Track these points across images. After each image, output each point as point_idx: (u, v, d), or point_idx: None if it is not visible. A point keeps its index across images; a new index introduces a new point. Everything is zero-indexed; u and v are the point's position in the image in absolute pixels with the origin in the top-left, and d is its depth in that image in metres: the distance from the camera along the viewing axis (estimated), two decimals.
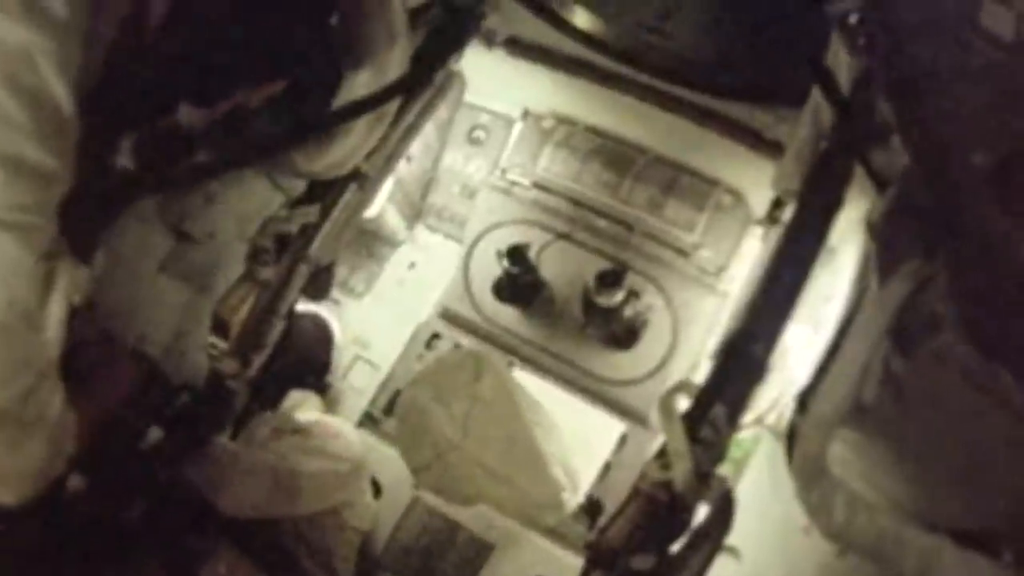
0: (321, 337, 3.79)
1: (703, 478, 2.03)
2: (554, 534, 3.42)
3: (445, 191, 4.08)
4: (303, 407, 3.53)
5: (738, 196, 3.67)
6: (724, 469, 2.13)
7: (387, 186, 3.35)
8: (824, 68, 2.21)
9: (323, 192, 2.65)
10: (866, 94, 2.14)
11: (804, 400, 2.00)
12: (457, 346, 3.77)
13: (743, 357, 2.19)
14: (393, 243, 4.07)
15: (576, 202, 3.82)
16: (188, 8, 1.70)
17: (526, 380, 3.51)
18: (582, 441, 3.47)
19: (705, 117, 3.45)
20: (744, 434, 2.99)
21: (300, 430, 3.20)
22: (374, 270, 4.07)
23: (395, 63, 2.29)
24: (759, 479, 2.98)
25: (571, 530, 3.40)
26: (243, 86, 1.88)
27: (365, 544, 3.41)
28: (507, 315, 3.78)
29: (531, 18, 3.37)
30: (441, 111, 3.37)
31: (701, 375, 2.25)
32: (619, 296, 3.41)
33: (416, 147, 3.58)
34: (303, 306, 3.29)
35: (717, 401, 2.11)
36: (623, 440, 3.54)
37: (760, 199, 3.37)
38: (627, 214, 3.76)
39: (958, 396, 1.76)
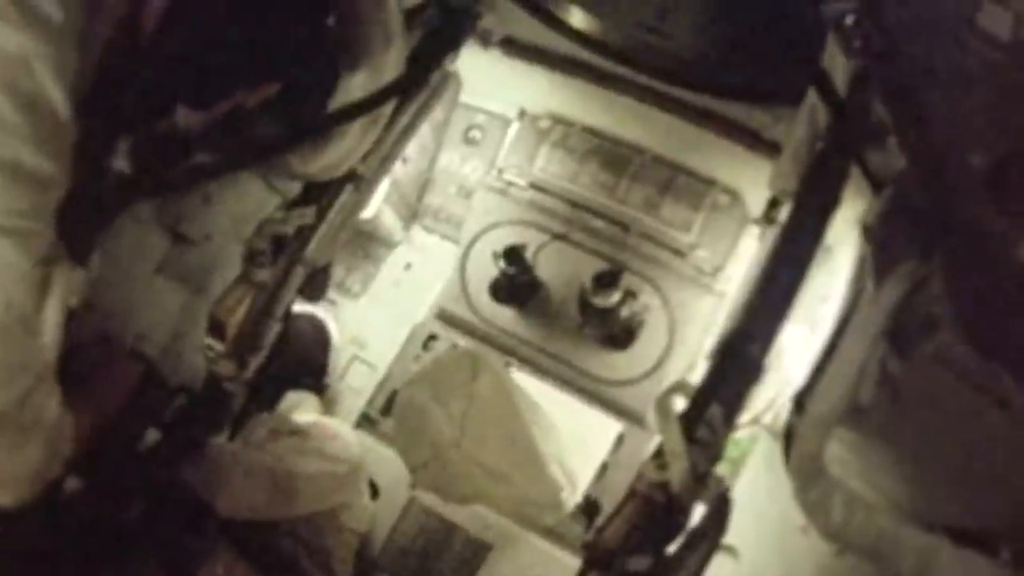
0: (319, 338, 3.79)
1: (700, 478, 2.03)
2: (551, 534, 3.43)
3: (441, 192, 4.08)
4: (301, 408, 3.53)
5: (735, 196, 3.67)
6: (721, 469, 2.13)
7: (383, 187, 3.34)
8: (820, 69, 2.22)
9: (319, 194, 2.65)
10: (862, 95, 2.14)
11: (801, 400, 2.00)
12: (454, 347, 3.77)
13: (740, 357, 2.19)
14: (389, 244, 4.07)
15: (572, 202, 3.82)
16: (184, 10, 1.70)
17: (523, 380, 3.51)
18: (579, 441, 3.47)
19: (701, 117, 3.45)
20: (741, 434, 2.99)
21: (297, 431, 3.20)
22: (370, 271, 4.07)
23: (391, 64, 2.29)
24: (756, 479, 2.98)
25: (568, 530, 3.40)
26: (240, 88, 1.88)
27: (362, 545, 3.41)
28: (504, 316, 3.78)
29: (527, 18, 3.36)
30: (437, 112, 3.37)
31: (698, 375, 2.25)
32: (615, 296, 3.41)
33: (412, 148, 3.58)
34: (300, 307, 3.29)
35: (714, 401, 2.11)
36: (620, 440, 3.54)
37: (757, 199, 3.37)
38: (624, 214, 3.76)
39: (955, 396, 1.77)
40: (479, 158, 4.02)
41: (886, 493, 1.98)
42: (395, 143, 2.79)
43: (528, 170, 3.88)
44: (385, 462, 3.50)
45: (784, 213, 2.53)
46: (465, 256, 3.87)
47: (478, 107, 4.03)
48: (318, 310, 3.80)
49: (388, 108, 2.46)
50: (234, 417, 2.96)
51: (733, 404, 2.15)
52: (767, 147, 3.30)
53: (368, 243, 4.07)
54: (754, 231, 3.49)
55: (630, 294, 3.54)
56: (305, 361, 3.70)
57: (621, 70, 3.45)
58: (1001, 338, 1.69)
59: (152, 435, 2.74)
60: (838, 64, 2.21)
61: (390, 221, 3.93)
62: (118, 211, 1.94)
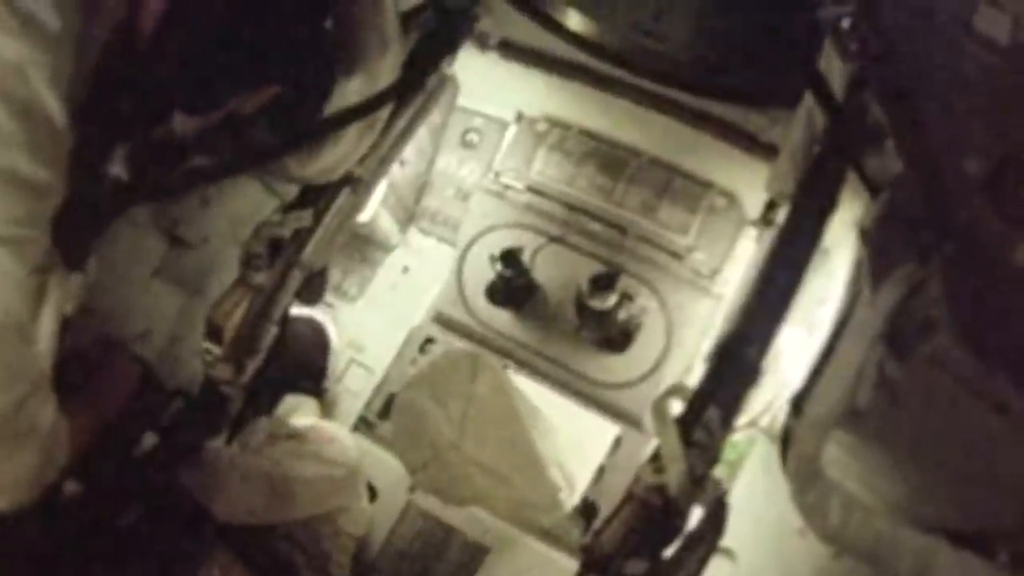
0: (318, 341, 3.79)
1: (697, 481, 2.03)
2: (549, 537, 3.43)
3: (438, 195, 4.08)
4: (300, 411, 3.53)
5: (732, 198, 3.68)
6: (718, 471, 2.12)
7: (380, 190, 3.35)
8: (817, 72, 2.22)
9: (316, 197, 2.65)
10: (859, 98, 2.15)
11: (798, 403, 2.01)
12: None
13: (737, 360, 2.19)
14: (386, 247, 4.07)
15: (569, 205, 3.82)
16: (181, 15, 1.70)
17: (520, 383, 3.52)
18: (577, 444, 3.47)
19: (698, 120, 3.45)
20: (738, 436, 2.99)
21: (295, 435, 3.20)
22: (367, 274, 4.07)
23: (387, 69, 2.29)
24: (754, 481, 2.98)
25: (566, 533, 3.40)
26: (237, 93, 1.88)
27: (360, 548, 3.41)
28: (501, 319, 3.78)
29: (524, 21, 3.37)
30: (434, 115, 3.37)
31: (695, 378, 2.25)
32: (612, 299, 3.41)
33: (409, 151, 3.58)
34: (299, 310, 3.28)
35: (711, 404, 2.11)
36: (617, 443, 3.54)
37: (754, 201, 3.37)
38: (621, 217, 3.76)
39: (953, 399, 1.77)
40: (476, 161, 4.02)
41: (883, 495, 1.98)
42: (392, 146, 2.79)
43: (525, 173, 3.88)
44: (383, 465, 3.50)
45: (781, 215, 2.53)
46: (462, 259, 3.87)
47: (475, 110, 4.03)
48: (317, 313, 3.80)
49: (385, 112, 2.46)
50: (232, 421, 2.96)
51: (730, 407, 2.15)
52: (764, 150, 3.30)
53: (365, 246, 4.07)
54: (751, 233, 3.49)
55: (627, 297, 3.55)
56: (304, 364, 3.70)
57: (618, 73, 3.45)
58: (998, 341, 1.69)
59: (149, 439, 2.73)
60: (835, 67, 2.21)
61: (387, 224, 3.93)
62: (114, 217, 1.94)
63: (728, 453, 2.86)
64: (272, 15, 1.83)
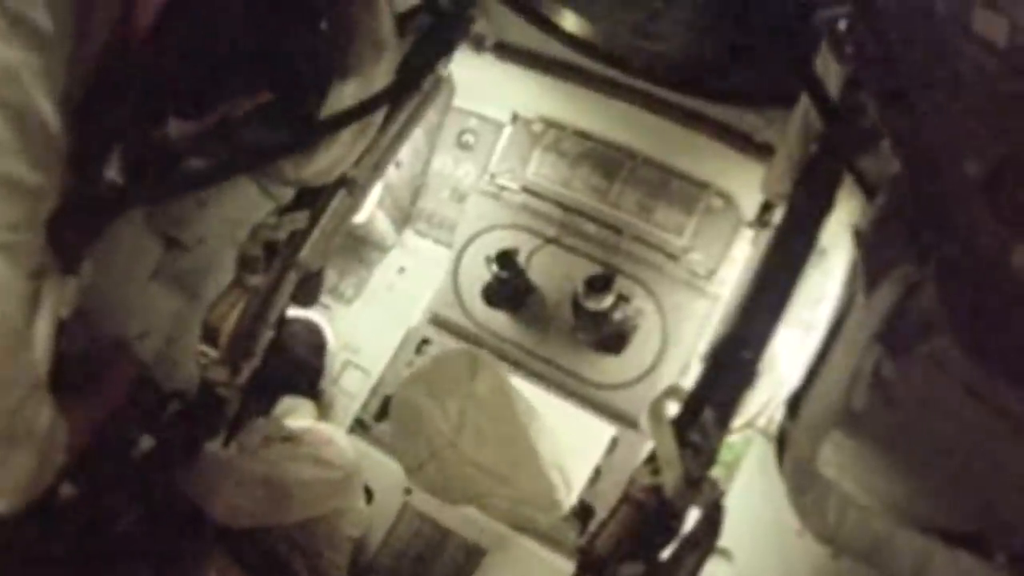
0: (315, 343, 3.79)
1: (693, 483, 2.03)
2: (545, 538, 3.43)
3: (434, 196, 4.08)
4: (296, 413, 3.53)
5: (728, 199, 3.68)
6: (715, 472, 2.12)
7: (376, 191, 3.35)
8: (812, 74, 2.22)
9: (312, 198, 2.64)
10: (855, 100, 2.14)
11: (795, 404, 2.00)
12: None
13: (733, 361, 2.19)
14: (382, 248, 4.07)
15: (565, 206, 3.83)
16: (176, 19, 1.69)
17: (516, 384, 3.51)
18: (573, 445, 3.47)
19: (694, 120, 3.45)
20: (735, 437, 2.99)
21: (292, 437, 3.20)
22: (364, 275, 4.07)
23: (383, 71, 2.29)
24: (750, 482, 2.98)
25: (562, 534, 3.41)
26: (232, 96, 1.88)
27: (357, 550, 3.41)
28: (497, 320, 3.78)
29: (520, 22, 3.36)
30: (430, 116, 3.37)
31: (692, 378, 2.25)
32: (608, 300, 3.41)
33: (405, 152, 3.58)
34: (296, 312, 3.28)
35: (707, 405, 2.11)
36: (614, 444, 3.54)
37: (750, 202, 3.37)
38: (616, 218, 3.77)
39: (950, 400, 1.76)
40: (472, 162, 4.03)
41: (880, 496, 1.98)
42: (388, 148, 2.78)
43: (521, 174, 3.88)
44: (379, 467, 3.51)
45: (777, 216, 2.53)
46: (458, 260, 3.87)
47: (471, 111, 4.03)
48: (313, 315, 3.80)
49: (380, 114, 2.46)
50: (228, 423, 2.96)
51: (727, 408, 2.15)
52: (760, 150, 3.29)
53: (361, 248, 4.07)
54: (747, 234, 3.48)
55: (623, 298, 3.55)
56: (300, 366, 3.70)
57: (614, 74, 3.44)
58: (996, 344, 1.69)
59: (146, 441, 2.73)
60: (831, 69, 2.21)
61: (383, 225, 3.93)
62: (109, 220, 1.94)
63: (725, 454, 2.86)
64: (266, 18, 1.83)
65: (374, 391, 3.80)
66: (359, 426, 3.73)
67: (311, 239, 2.64)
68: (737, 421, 2.23)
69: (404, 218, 4.07)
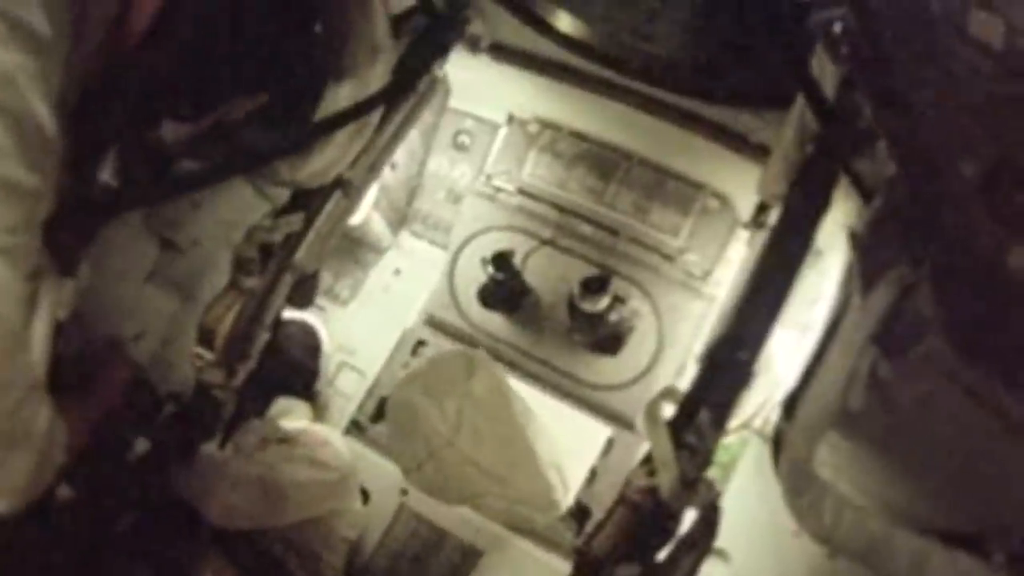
0: (310, 344, 3.79)
1: (689, 484, 2.03)
2: (541, 539, 3.43)
3: (430, 197, 4.08)
4: (292, 414, 3.52)
5: (724, 200, 3.68)
6: (711, 474, 2.12)
7: (372, 193, 3.34)
8: (808, 75, 2.22)
9: (307, 200, 2.64)
10: (851, 101, 2.15)
11: (791, 404, 2.00)
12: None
13: (729, 362, 2.19)
14: (378, 250, 4.07)
15: (561, 208, 3.83)
16: (171, 22, 1.69)
17: (512, 386, 3.51)
18: (569, 446, 3.47)
19: (690, 121, 3.45)
20: (731, 438, 2.99)
21: (287, 439, 3.20)
22: (359, 277, 4.07)
23: (378, 72, 2.30)
24: (747, 483, 2.99)
25: (558, 535, 3.40)
26: (227, 98, 1.88)
27: (353, 551, 3.41)
28: (493, 321, 3.78)
29: (516, 23, 3.36)
30: (426, 117, 3.37)
31: (688, 379, 2.25)
32: (604, 302, 3.41)
33: (401, 153, 3.58)
34: (291, 314, 3.28)
35: (703, 406, 2.11)
36: (610, 445, 3.54)
37: (746, 203, 3.36)
38: (612, 219, 3.77)
39: (946, 401, 1.77)
40: (468, 163, 4.02)
41: (877, 496, 1.98)
42: (383, 149, 2.78)
43: (517, 175, 3.88)
44: (375, 468, 3.50)
45: (773, 217, 2.53)
46: (454, 262, 3.87)
47: (467, 112, 4.03)
48: (308, 316, 3.79)
49: (375, 115, 2.46)
50: (224, 425, 2.95)
51: (723, 409, 2.15)
52: (756, 151, 3.29)
53: (357, 249, 4.07)
54: (743, 235, 3.48)
55: (619, 299, 3.55)
56: (296, 368, 3.70)
57: (609, 75, 3.44)
58: (992, 345, 1.69)
59: (142, 444, 2.73)
60: (827, 70, 2.21)
61: (379, 227, 3.92)
62: (105, 222, 1.94)
63: (721, 455, 2.87)
64: (261, 20, 1.83)
65: (370, 393, 3.80)
66: (355, 427, 3.73)
67: (306, 241, 2.64)
68: (733, 422, 2.23)
69: (400, 219, 4.07)
